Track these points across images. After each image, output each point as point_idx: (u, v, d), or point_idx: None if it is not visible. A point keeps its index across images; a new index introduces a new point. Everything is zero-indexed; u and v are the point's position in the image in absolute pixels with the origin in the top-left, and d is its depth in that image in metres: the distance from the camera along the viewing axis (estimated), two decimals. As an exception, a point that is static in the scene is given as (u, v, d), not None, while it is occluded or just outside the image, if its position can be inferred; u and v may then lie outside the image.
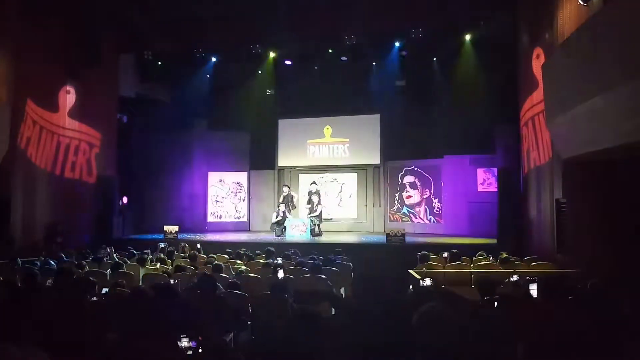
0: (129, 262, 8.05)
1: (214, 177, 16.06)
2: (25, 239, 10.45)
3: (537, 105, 9.41)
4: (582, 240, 7.77)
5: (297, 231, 12.93)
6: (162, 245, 10.41)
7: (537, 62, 9.46)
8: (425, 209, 14.77)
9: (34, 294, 4.90)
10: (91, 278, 5.86)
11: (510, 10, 11.16)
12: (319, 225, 13.49)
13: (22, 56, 10.42)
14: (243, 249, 9.40)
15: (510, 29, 11.28)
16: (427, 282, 5.77)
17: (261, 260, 8.25)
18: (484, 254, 8.72)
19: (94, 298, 4.94)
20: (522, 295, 5.12)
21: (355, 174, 15.71)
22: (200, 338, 3.26)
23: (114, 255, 8.86)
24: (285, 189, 14.16)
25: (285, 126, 16.17)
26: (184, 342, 3.26)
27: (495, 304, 4.57)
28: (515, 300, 4.91)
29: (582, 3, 7.19)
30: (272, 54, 14.57)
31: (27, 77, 10.64)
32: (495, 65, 12.26)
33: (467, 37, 13.11)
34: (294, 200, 14.19)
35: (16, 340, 3.34)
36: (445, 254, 8.48)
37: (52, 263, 7.58)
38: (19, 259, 7.75)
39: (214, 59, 14.91)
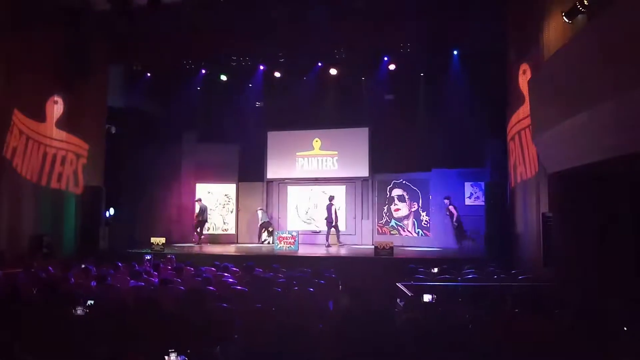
0: (115, 274, 7.96)
1: (202, 188, 15.99)
2: (9, 251, 10.28)
3: (524, 120, 9.54)
4: (568, 253, 7.83)
5: (285, 243, 12.88)
6: (148, 257, 10.31)
7: (524, 78, 9.60)
8: (414, 222, 14.82)
9: (18, 307, 4.83)
10: (77, 291, 5.80)
11: (497, 26, 11.33)
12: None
13: (10, 65, 10.36)
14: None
15: (498, 45, 11.45)
16: (427, 297, 5.72)
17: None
18: (471, 267, 8.76)
19: (80, 311, 4.88)
20: (508, 309, 5.15)
21: (344, 186, 15.74)
22: (188, 351, 3.23)
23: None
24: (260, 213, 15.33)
25: (274, 138, 16.19)
26: (172, 357, 3.23)
27: (482, 317, 4.59)
28: (502, 313, 4.93)
29: (567, 20, 7.34)
30: (261, 67, 14.64)
31: (14, 87, 10.57)
32: (483, 80, 12.43)
33: (455, 52, 13.29)
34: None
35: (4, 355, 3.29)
36: (435, 270, 8.49)
37: (37, 275, 7.48)
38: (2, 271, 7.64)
39: (203, 71, 14.93)
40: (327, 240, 14.02)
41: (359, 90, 14.97)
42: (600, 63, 5.79)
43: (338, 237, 14.23)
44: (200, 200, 15.20)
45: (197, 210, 14.96)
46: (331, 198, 14.38)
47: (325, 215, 14.14)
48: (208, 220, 15.24)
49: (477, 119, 12.89)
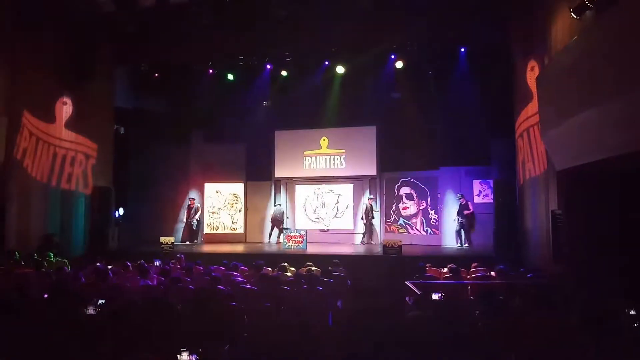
0: (125, 273, 8.02)
1: (210, 188, 16.05)
2: (19, 251, 10.36)
3: (532, 117, 9.49)
4: (577, 250, 7.79)
5: (294, 242, 12.89)
6: (157, 262, 10.31)
7: (532, 74, 9.54)
8: (422, 220, 14.78)
9: (28, 307, 4.88)
10: (87, 290, 5.85)
11: (504, 23, 11.27)
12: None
13: (19, 67, 10.47)
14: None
15: (505, 42, 11.38)
16: (436, 295, 5.73)
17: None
18: (480, 265, 8.74)
19: (91, 311, 4.93)
20: (516, 307, 5.13)
21: (352, 185, 15.74)
22: (200, 350, 3.26)
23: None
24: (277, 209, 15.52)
25: (282, 137, 16.21)
26: (185, 356, 3.25)
27: (491, 315, 4.58)
28: (510, 311, 4.92)
29: (575, 17, 7.28)
30: (268, 66, 14.67)
31: (24, 89, 10.68)
32: (491, 77, 12.36)
33: (462, 49, 13.24)
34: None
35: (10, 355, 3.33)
36: (445, 269, 8.48)
37: (48, 274, 7.54)
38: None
39: (210, 71, 14.98)
40: (370, 238, 14.61)
41: (366, 88, 14.94)
42: (609, 59, 5.75)
43: (363, 237, 14.75)
44: (194, 200, 15.39)
45: (199, 211, 15.25)
46: (370, 199, 14.91)
47: (362, 217, 14.85)
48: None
49: (485, 116, 12.84)
